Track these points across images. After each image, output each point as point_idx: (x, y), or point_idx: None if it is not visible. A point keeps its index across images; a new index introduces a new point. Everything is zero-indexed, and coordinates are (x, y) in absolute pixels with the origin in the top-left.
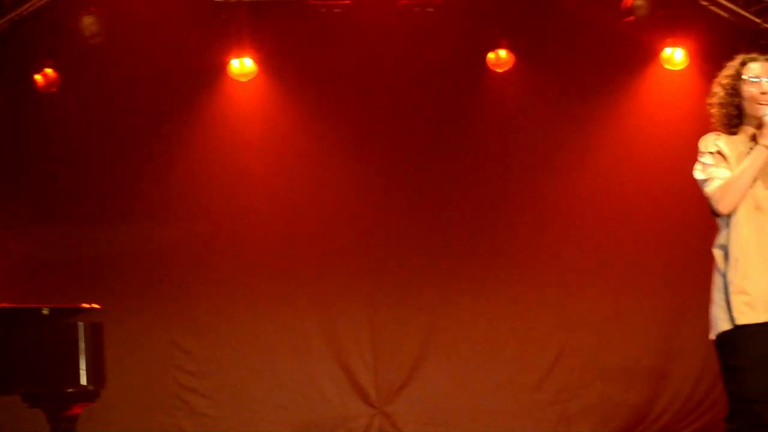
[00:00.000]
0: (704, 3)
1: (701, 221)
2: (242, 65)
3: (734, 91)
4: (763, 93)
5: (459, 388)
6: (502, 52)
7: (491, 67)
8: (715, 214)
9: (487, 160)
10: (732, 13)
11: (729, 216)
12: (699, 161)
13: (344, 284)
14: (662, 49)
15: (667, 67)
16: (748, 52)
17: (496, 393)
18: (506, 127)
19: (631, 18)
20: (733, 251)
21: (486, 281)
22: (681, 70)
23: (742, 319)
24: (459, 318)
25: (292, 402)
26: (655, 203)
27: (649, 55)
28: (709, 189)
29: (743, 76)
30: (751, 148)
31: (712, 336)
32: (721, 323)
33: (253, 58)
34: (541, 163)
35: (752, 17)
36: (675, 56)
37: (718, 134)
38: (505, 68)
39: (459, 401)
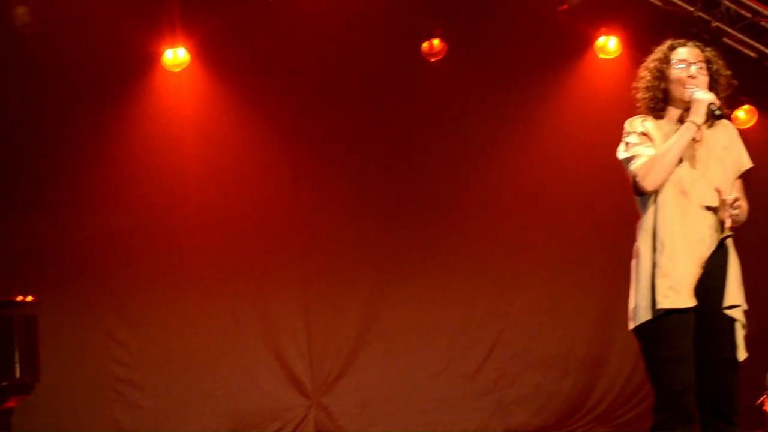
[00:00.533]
0: None
1: (636, 209)
2: (175, 55)
3: (661, 75)
4: (690, 76)
5: (394, 378)
6: (436, 41)
7: (425, 56)
8: (639, 193)
9: (422, 149)
10: (665, 1)
11: (655, 199)
12: (624, 142)
13: (279, 275)
14: (596, 38)
15: (601, 55)
16: (676, 37)
17: (432, 382)
18: (441, 117)
19: (565, 6)
20: (660, 234)
21: (421, 271)
22: (615, 59)
23: (665, 303)
24: (394, 308)
25: (228, 394)
26: (591, 191)
27: (583, 43)
28: (634, 166)
29: (671, 60)
30: (677, 131)
31: (632, 326)
32: (642, 313)
33: (186, 48)
34: (476, 153)
35: (684, 5)
36: (609, 44)
37: (645, 117)
38: (439, 57)
39: (395, 391)
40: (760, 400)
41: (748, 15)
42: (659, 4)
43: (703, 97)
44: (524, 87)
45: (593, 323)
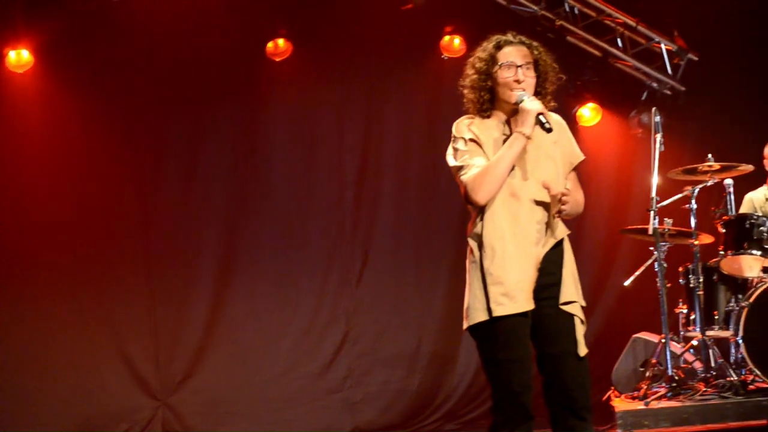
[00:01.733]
0: None
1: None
2: (19, 56)
3: (487, 76)
4: (516, 81)
5: (242, 377)
6: (281, 41)
7: (270, 57)
8: (470, 202)
9: (267, 149)
10: (509, 0)
11: (484, 204)
12: (452, 146)
13: (124, 277)
14: (441, 37)
15: (446, 54)
16: (503, 32)
17: (280, 381)
18: (286, 117)
19: (409, 5)
20: (489, 241)
21: (267, 271)
22: (459, 57)
23: (500, 311)
24: (240, 308)
25: (75, 396)
26: (437, 188)
27: (428, 42)
28: (466, 177)
29: (498, 61)
30: (505, 134)
31: (466, 326)
32: (477, 314)
33: (29, 49)
34: (321, 153)
35: (529, 4)
36: (453, 43)
37: (472, 118)
38: (284, 57)
39: (243, 390)
40: (606, 396)
41: (593, 14)
42: (503, 2)
43: (531, 107)
44: (369, 86)
45: (440, 320)
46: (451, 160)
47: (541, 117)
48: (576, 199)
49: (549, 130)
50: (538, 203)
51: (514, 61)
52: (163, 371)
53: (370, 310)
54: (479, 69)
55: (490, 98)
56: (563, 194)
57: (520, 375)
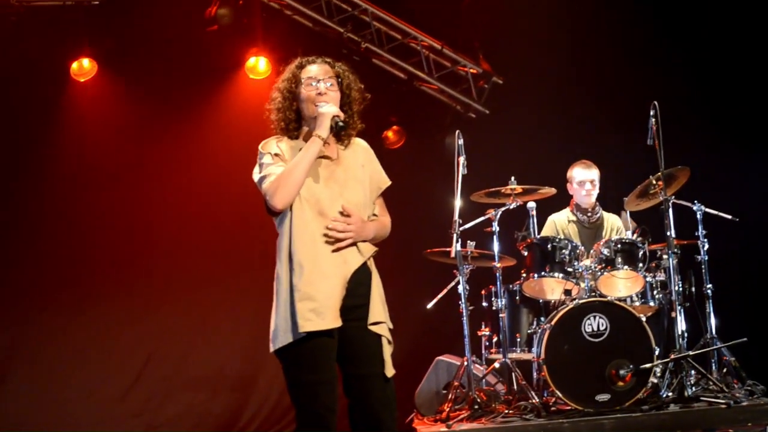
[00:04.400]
0: (288, 12)
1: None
2: None
3: (292, 96)
4: (319, 94)
5: (46, 399)
6: (86, 61)
7: (74, 77)
8: (272, 213)
9: (72, 170)
10: (315, 22)
11: (291, 220)
12: (258, 163)
13: None
14: (246, 59)
15: (252, 76)
16: (308, 54)
17: (83, 404)
18: (89, 137)
19: (215, 27)
20: (298, 257)
21: (69, 293)
22: (265, 79)
23: (308, 327)
24: (43, 330)
25: None
26: (240, 213)
27: (234, 64)
28: (264, 185)
29: (301, 80)
30: None
31: (272, 349)
32: (283, 336)
33: None
34: (126, 173)
35: (335, 26)
36: (259, 65)
37: (280, 138)
38: (88, 77)
39: (46, 413)
40: (409, 418)
41: (398, 36)
42: (309, 25)
43: (326, 110)
44: (174, 107)
45: (244, 343)
46: (255, 176)
47: (336, 118)
48: (383, 223)
49: (342, 128)
50: None
51: (316, 76)
52: None
53: (173, 333)
54: (283, 89)
55: (296, 118)
56: (343, 222)
57: (326, 397)
